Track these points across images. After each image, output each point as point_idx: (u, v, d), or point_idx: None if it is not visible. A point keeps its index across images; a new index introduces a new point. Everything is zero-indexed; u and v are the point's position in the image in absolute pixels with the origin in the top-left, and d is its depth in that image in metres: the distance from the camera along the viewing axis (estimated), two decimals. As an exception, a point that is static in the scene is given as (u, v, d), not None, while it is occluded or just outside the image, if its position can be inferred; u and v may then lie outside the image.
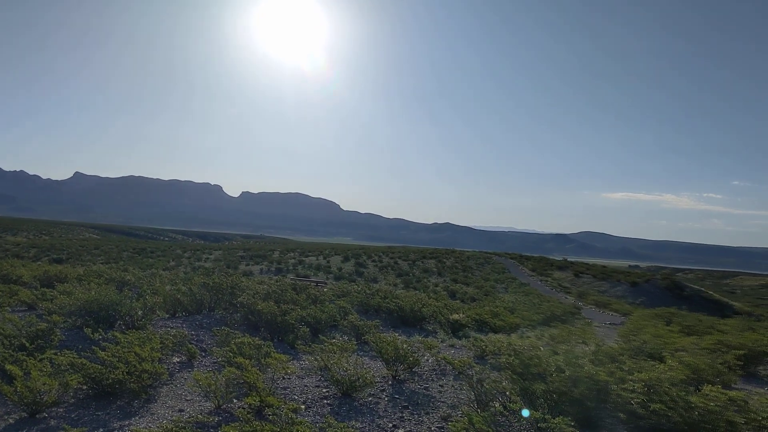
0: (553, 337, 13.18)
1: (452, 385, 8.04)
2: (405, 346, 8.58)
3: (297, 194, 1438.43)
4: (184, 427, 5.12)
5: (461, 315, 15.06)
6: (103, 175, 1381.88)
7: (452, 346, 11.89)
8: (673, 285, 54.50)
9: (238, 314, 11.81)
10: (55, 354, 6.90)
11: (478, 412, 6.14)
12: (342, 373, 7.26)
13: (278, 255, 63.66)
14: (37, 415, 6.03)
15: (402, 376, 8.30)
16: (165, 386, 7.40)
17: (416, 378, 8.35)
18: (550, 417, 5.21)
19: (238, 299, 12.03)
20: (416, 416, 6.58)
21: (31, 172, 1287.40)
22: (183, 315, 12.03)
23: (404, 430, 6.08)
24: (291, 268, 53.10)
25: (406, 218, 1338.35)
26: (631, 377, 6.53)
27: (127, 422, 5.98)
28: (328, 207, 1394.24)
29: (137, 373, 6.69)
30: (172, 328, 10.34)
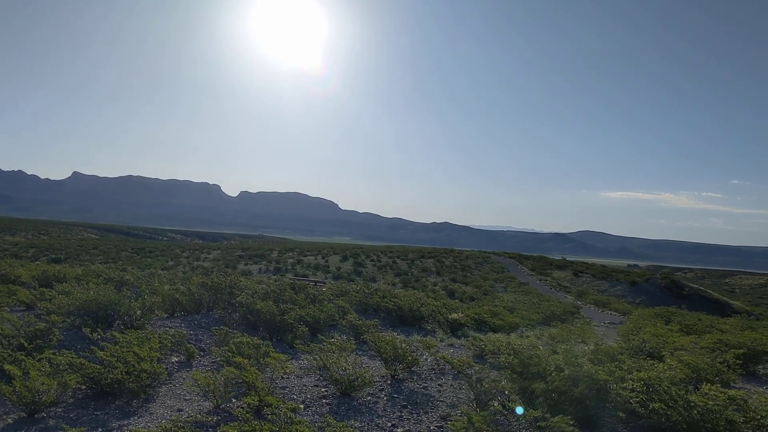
0: (552, 337, 13.18)
1: (451, 385, 8.03)
2: (404, 345, 8.57)
3: (295, 194, 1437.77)
4: (183, 427, 5.11)
5: (460, 314, 15.05)
6: (101, 174, 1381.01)
7: (451, 345, 11.88)
8: (672, 284, 54.56)
9: (237, 314, 11.80)
10: (54, 354, 6.88)
11: (477, 411, 6.13)
12: (341, 372, 7.25)
13: (277, 254, 63.63)
14: (36, 415, 6.02)
15: (401, 375, 8.30)
16: (164, 386, 7.38)
17: (415, 377, 8.34)
18: (549, 416, 5.20)
19: (237, 299, 12.01)
20: (415, 415, 6.57)
21: (29, 172, 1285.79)
22: (182, 315, 12.01)
23: (403, 429, 6.07)
24: (289, 267, 53.08)
25: (404, 218, 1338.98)
26: (630, 376, 6.53)
27: (125, 422, 5.97)
28: (326, 206, 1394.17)
29: (136, 372, 6.68)
30: (170, 327, 10.33)
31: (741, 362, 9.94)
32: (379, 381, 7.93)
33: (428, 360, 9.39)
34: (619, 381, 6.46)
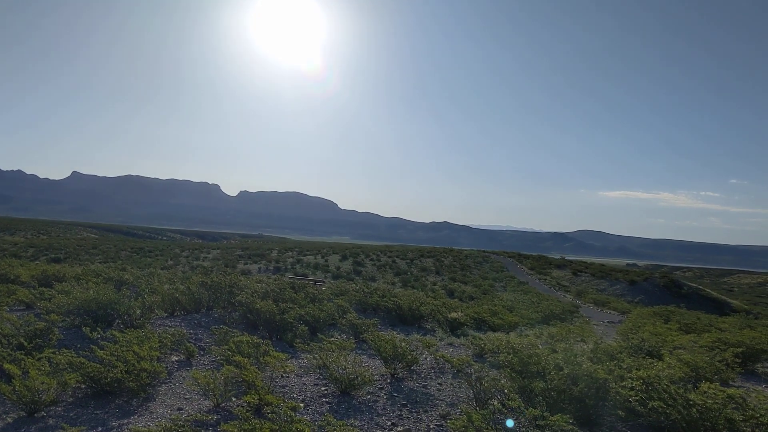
0: (551, 336, 13.19)
1: (451, 384, 8.04)
2: (403, 344, 8.58)
3: (295, 193, 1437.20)
4: (183, 426, 5.11)
5: (460, 313, 15.06)
6: (100, 174, 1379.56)
7: (451, 344, 11.89)
8: (671, 283, 54.62)
9: (237, 313, 11.80)
10: (54, 353, 6.89)
11: (476, 410, 6.13)
12: (340, 371, 7.25)
13: (276, 254, 63.64)
14: (36, 414, 6.02)
15: (400, 374, 8.30)
16: (164, 385, 7.39)
17: (415, 376, 8.35)
18: (548, 414, 5.21)
19: (237, 298, 12.02)
20: (415, 414, 6.58)
21: (28, 172, 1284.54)
22: (181, 314, 12.01)
23: (403, 427, 6.08)
24: (289, 267, 53.10)
25: (403, 217, 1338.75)
26: (629, 375, 6.53)
27: (125, 421, 5.97)
28: (326, 206, 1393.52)
29: (136, 371, 6.68)
30: (170, 326, 10.33)
31: (740, 361, 9.95)
32: (379, 380, 7.94)
33: (428, 359, 9.40)
34: (619, 380, 6.47)
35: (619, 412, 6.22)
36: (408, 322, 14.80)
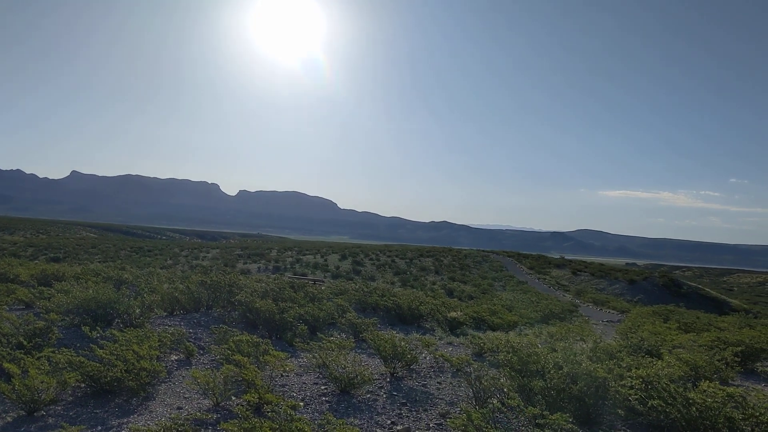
0: (551, 335, 13.19)
1: (450, 382, 8.04)
2: (403, 343, 8.58)
3: (294, 193, 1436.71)
4: (183, 425, 5.12)
5: (459, 313, 15.07)
6: (100, 174, 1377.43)
7: (450, 343, 11.89)
8: (670, 282, 54.68)
9: (236, 312, 11.80)
10: (53, 352, 6.88)
11: (476, 408, 6.14)
12: (340, 370, 7.26)
13: (276, 253, 63.65)
14: (35, 413, 6.02)
15: (400, 373, 8.30)
16: (163, 384, 7.39)
17: (414, 375, 8.35)
18: (548, 413, 5.21)
19: (236, 297, 12.01)
20: (414, 413, 6.58)
21: (28, 171, 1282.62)
22: (181, 313, 12.01)
23: (403, 426, 6.08)
24: (289, 266, 53.11)
25: (403, 217, 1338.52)
26: (629, 374, 6.53)
27: (125, 420, 5.97)
28: (325, 206, 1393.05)
29: (135, 371, 6.68)
30: (170, 326, 10.32)
31: (739, 360, 9.95)
32: (379, 379, 7.94)
33: (427, 358, 9.40)
34: (618, 378, 6.47)
35: (619, 411, 6.23)
36: (407, 322, 14.81)
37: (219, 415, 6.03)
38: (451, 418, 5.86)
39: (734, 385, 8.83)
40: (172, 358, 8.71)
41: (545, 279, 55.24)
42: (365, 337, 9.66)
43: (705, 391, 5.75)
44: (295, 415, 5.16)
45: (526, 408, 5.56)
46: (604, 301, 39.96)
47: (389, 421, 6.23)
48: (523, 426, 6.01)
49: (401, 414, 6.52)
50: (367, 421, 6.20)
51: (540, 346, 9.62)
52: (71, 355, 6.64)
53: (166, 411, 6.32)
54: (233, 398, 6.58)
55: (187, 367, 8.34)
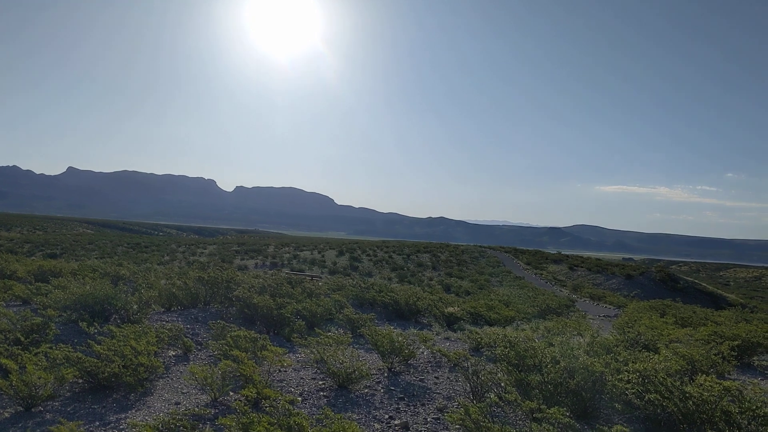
0: (548, 329, 13.23)
1: (448, 377, 8.06)
2: (400, 338, 8.59)
3: (291, 189, 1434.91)
4: (181, 420, 5.12)
5: (456, 308, 15.10)
6: (96, 170, 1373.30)
7: (447, 338, 11.92)
8: (667, 277, 54.87)
9: (234, 308, 11.80)
10: (51, 348, 6.88)
11: (473, 403, 6.16)
12: (338, 365, 7.27)
13: (273, 249, 63.62)
14: (33, 409, 6.01)
15: (398, 368, 8.32)
16: (161, 379, 7.38)
17: (412, 370, 8.37)
18: (545, 407, 5.23)
19: (234, 293, 12.01)
20: (412, 407, 6.60)
21: (24, 168, 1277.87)
22: (178, 309, 12.00)
23: (401, 421, 6.10)
24: (286, 262, 53.09)
25: (400, 212, 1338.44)
26: (626, 368, 6.55)
27: (123, 415, 5.97)
28: (322, 201, 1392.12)
29: (133, 366, 6.68)
30: (167, 321, 10.32)
31: (736, 354, 10.00)
32: (376, 374, 7.96)
33: (425, 353, 9.42)
34: (615, 373, 6.50)
35: (616, 405, 6.25)
36: (405, 317, 14.83)
37: (217, 410, 6.03)
38: (448, 412, 5.88)
39: (731, 379, 8.88)
40: (170, 354, 8.71)
41: (542, 274, 55.37)
42: (363, 333, 9.67)
43: (702, 385, 5.78)
44: (293, 409, 5.17)
45: (524, 402, 5.58)
46: (600, 296, 40.09)
47: (387, 416, 6.25)
48: (520, 420, 6.04)
49: (399, 408, 6.53)
50: (365, 416, 6.21)
51: (537, 340, 9.65)
52: (69, 351, 6.64)
53: (164, 406, 6.32)
54: (231, 393, 6.59)
55: (184, 362, 8.34)
